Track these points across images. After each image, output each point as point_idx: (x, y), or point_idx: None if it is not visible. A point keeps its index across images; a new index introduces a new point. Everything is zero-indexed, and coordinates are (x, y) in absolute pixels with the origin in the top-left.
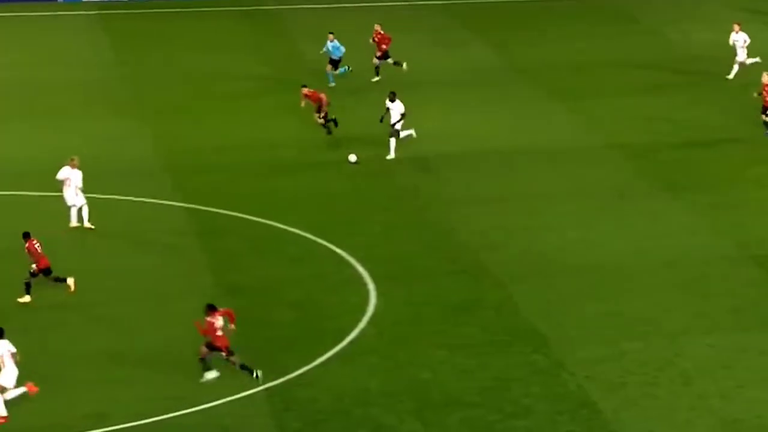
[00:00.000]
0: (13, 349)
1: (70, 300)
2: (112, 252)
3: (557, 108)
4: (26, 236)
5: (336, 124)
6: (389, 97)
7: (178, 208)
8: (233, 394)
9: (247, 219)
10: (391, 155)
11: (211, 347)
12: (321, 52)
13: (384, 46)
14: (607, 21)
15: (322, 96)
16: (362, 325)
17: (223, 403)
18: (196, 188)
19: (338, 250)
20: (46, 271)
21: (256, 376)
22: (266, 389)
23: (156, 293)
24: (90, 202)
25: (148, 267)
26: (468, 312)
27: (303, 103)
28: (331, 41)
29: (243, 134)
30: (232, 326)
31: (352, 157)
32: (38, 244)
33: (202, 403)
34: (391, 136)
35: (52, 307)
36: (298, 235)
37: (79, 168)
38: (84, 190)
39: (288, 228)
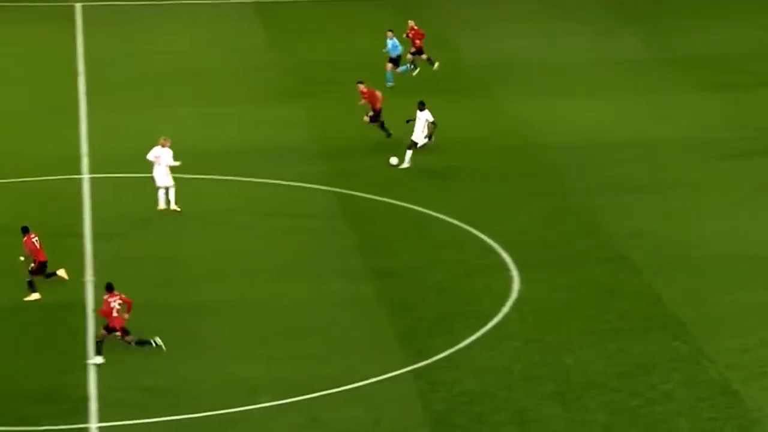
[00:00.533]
0: None
1: (221, 280)
2: (266, 233)
3: (704, 98)
4: (25, 230)
5: (384, 129)
6: (418, 106)
7: (330, 192)
8: (380, 375)
9: (395, 204)
10: (406, 164)
11: (108, 329)
12: (384, 51)
13: (418, 42)
14: (762, 11)
15: (378, 94)
16: (506, 310)
17: (371, 383)
18: (347, 173)
19: (483, 236)
20: (42, 267)
21: (155, 344)
22: (412, 371)
23: (308, 274)
24: (244, 185)
25: (300, 249)
26: (609, 299)
27: (362, 102)
28: (390, 39)
29: (393, 120)
30: (127, 316)
31: (393, 160)
32: (36, 239)
33: (351, 383)
34: (410, 148)
35: (203, 288)
36: (444, 220)
37: (170, 148)
38: (172, 170)
39: (434, 213)
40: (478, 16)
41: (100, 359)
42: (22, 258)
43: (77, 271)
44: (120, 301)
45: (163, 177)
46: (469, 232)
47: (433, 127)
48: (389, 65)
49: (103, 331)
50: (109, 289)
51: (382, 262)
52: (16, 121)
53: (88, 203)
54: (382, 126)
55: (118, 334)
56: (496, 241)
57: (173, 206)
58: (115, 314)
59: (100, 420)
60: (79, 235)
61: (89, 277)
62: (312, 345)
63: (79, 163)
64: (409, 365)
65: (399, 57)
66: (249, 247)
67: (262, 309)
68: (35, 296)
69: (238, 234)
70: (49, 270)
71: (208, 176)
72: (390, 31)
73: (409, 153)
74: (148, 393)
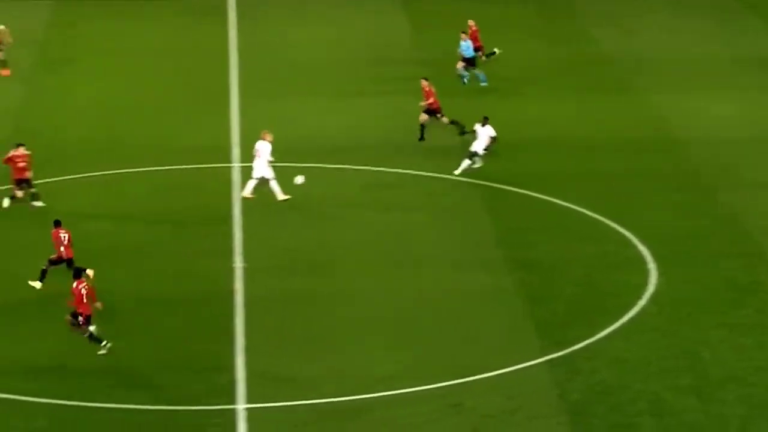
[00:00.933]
0: None
1: (362, 268)
2: (409, 224)
3: None
4: (56, 224)
5: (459, 126)
6: (481, 122)
7: (470, 183)
8: (518, 364)
9: (534, 196)
10: (458, 171)
11: (75, 315)
12: (458, 52)
13: (476, 42)
14: None
15: (433, 92)
16: (643, 302)
17: (509, 372)
18: (486, 165)
19: (621, 230)
20: (64, 261)
21: (106, 344)
22: (549, 360)
23: (447, 264)
24: (385, 176)
25: (440, 239)
26: (746, 293)
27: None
28: (464, 40)
29: (531, 114)
30: (98, 304)
31: (299, 179)
32: (64, 234)
33: (489, 371)
34: (469, 157)
35: (342, 276)
36: (583, 213)
37: (271, 142)
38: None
39: (573, 206)
40: (617, 11)
41: (105, 347)
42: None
43: (226, 257)
44: (86, 289)
45: (261, 168)
46: (608, 225)
47: (493, 142)
48: (460, 63)
49: (69, 317)
50: (77, 276)
51: (520, 254)
52: (170, 111)
53: (238, 191)
54: (453, 122)
55: (81, 319)
56: (634, 234)
57: (281, 196)
58: (84, 300)
59: (248, 401)
60: (229, 222)
61: (238, 263)
62: (451, 333)
63: (230, 152)
64: (546, 355)
65: (473, 58)
66: (389, 237)
67: (401, 297)
68: (37, 285)
69: (378, 223)
70: (77, 267)
71: (351, 166)
72: (463, 33)
73: (466, 163)
74: (292, 377)
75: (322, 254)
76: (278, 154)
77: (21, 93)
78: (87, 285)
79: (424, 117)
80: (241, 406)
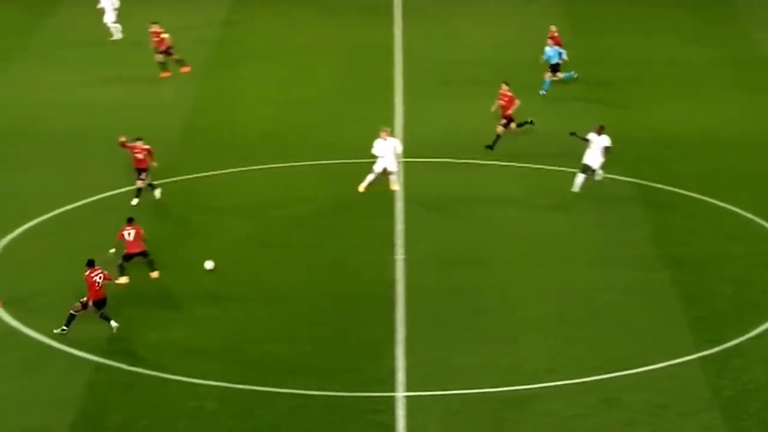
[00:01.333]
0: None
1: (518, 263)
2: (566, 220)
3: None
4: (129, 221)
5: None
6: (596, 130)
7: (627, 182)
8: (669, 360)
9: (688, 195)
10: (576, 188)
11: (84, 303)
12: (542, 59)
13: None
14: None
15: (516, 101)
16: None
17: (661, 368)
18: (643, 163)
19: None
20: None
21: (112, 326)
22: (701, 357)
23: (602, 260)
24: (546, 174)
25: (595, 235)
26: None
27: (499, 104)
28: (551, 47)
29: (688, 114)
30: (122, 280)
31: (209, 264)
32: (128, 232)
33: (641, 366)
34: (582, 171)
35: (494, 269)
36: (737, 213)
37: (394, 137)
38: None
39: (727, 206)
40: None
41: (114, 324)
42: (112, 250)
43: (387, 250)
44: (102, 276)
45: (389, 163)
46: (762, 225)
47: (606, 152)
48: (548, 73)
49: (80, 305)
50: (90, 265)
51: (674, 252)
52: (336, 107)
53: (401, 185)
54: (518, 125)
55: (90, 303)
56: None
57: (394, 186)
58: (97, 287)
59: (407, 390)
60: (391, 215)
61: (399, 255)
62: (604, 328)
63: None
64: (699, 352)
65: (558, 64)
66: (545, 233)
67: (555, 292)
68: (124, 280)
69: (535, 220)
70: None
71: (512, 163)
72: (550, 38)
73: (580, 177)
74: (450, 367)
75: (480, 248)
76: (440, 149)
77: (196, 89)
78: (102, 272)
79: (501, 129)
80: (400, 394)
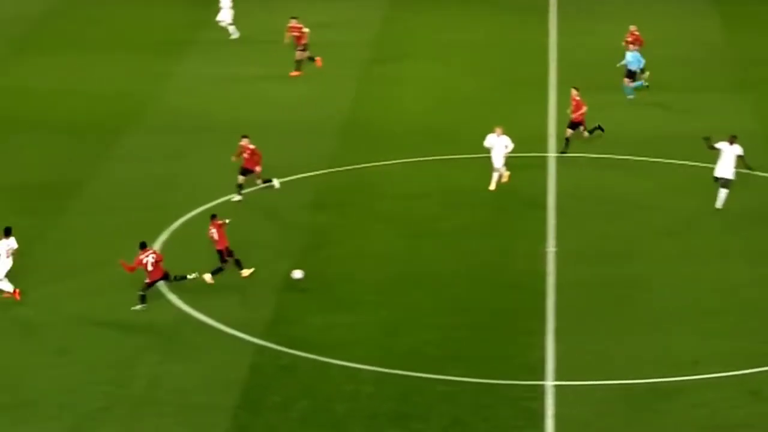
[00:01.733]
0: (15, 246)
1: (667, 257)
2: (715, 216)
3: None
4: (212, 217)
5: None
6: (729, 139)
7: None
8: None
9: None
10: (719, 205)
11: (150, 283)
12: (620, 63)
13: (637, 46)
14: None
15: (584, 107)
16: None
17: None
18: None
19: None
20: (228, 252)
21: (190, 277)
22: None
23: (740, 255)
24: (695, 170)
25: (728, 230)
26: None
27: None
28: (631, 51)
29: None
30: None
31: (297, 274)
32: (214, 230)
33: None
34: (723, 185)
35: (637, 263)
36: None
37: (506, 135)
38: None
39: None
40: None
41: (140, 307)
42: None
43: (539, 242)
44: (154, 256)
45: (497, 161)
46: None
47: (740, 161)
48: (626, 80)
49: (145, 285)
50: (142, 246)
51: None
52: (493, 102)
53: (553, 179)
54: (589, 131)
55: (163, 280)
56: None
57: (492, 185)
58: (150, 268)
59: (556, 379)
60: (544, 208)
61: (551, 247)
62: (748, 322)
63: (546, 142)
64: None
65: (635, 72)
66: (694, 226)
67: (702, 287)
68: (247, 271)
69: (684, 215)
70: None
71: (663, 160)
72: (631, 44)
73: (723, 193)
74: (597, 357)
75: (630, 243)
76: (589, 144)
77: (357, 84)
78: (154, 252)
79: (569, 131)
80: (549, 383)
